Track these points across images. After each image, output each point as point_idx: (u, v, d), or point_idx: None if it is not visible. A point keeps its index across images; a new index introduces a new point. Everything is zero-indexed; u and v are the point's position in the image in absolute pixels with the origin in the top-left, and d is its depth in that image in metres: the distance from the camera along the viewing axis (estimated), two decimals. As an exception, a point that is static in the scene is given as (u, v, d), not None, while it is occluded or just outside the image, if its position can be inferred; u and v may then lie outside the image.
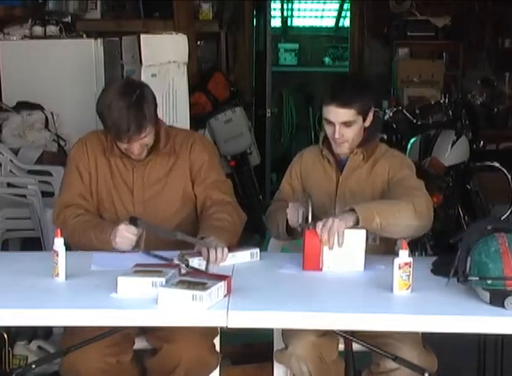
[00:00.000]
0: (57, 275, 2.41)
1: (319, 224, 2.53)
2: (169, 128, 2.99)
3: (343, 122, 2.79)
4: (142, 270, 2.37)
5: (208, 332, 2.63)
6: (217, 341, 2.71)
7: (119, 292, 2.28)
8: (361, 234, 2.55)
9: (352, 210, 2.57)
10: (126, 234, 2.67)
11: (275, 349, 2.71)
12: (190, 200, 2.94)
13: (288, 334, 2.61)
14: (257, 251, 2.71)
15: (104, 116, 2.75)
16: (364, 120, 2.85)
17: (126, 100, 2.71)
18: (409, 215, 2.60)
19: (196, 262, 2.53)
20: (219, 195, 2.90)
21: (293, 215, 2.73)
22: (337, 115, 2.79)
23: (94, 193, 2.91)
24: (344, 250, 2.53)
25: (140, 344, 2.72)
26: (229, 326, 2.18)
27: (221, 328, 2.62)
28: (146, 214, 2.84)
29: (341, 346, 2.67)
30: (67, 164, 2.99)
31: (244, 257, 2.68)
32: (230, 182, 3.03)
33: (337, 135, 2.81)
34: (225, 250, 2.59)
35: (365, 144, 2.89)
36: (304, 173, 3.00)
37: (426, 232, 2.64)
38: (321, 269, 2.55)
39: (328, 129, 2.84)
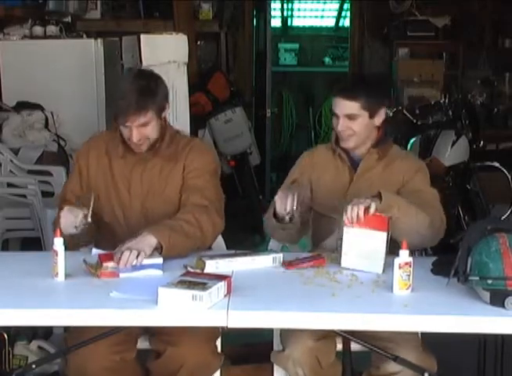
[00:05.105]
0: (56, 274, 2.41)
1: (350, 206, 2.56)
2: (176, 133, 2.97)
3: (346, 115, 2.83)
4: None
5: (211, 335, 2.63)
6: (217, 341, 2.70)
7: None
8: (382, 236, 2.54)
9: (377, 195, 2.59)
10: (68, 215, 2.69)
11: (274, 350, 2.70)
12: None
13: (285, 337, 2.60)
14: (280, 256, 2.66)
15: (114, 97, 2.83)
16: (371, 117, 2.85)
17: (136, 84, 2.78)
18: (424, 223, 2.62)
19: (214, 265, 2.52)
20: (197, 199, 2.81)
21: (282, 202, 2.72)
22: (341, 107, 2.84)
23: (89, 190, 2.90)
24: (365, 250, 2.54)
25: (143, 344, 2.71)
26: (229, 326, 2.18)
27: (222, 329, 2.62)
28: (142, 211, 2.86)
29: (339, 346, 2.66)
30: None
31: (266, 261, 2.64)
32: (218, 193, 2.89)
33: (339, 128, 2.85)
34: (133, 254, 2.47)
35: (380, 144, 2.91)
36: (314, 170, 2.98)
37: (428, 246, 2.63)
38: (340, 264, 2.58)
39: (334, 122, 2.88)
